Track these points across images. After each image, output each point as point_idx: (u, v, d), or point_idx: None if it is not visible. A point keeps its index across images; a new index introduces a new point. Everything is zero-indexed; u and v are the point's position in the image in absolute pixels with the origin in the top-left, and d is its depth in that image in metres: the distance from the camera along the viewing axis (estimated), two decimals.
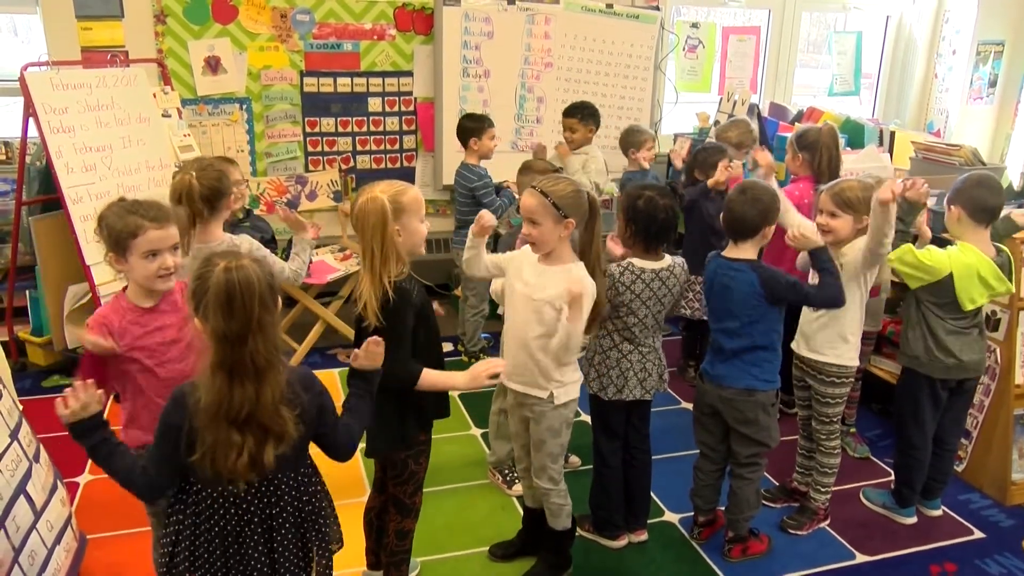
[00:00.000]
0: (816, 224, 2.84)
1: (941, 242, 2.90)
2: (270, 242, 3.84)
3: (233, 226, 2.84)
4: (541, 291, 2.37)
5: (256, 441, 1.65)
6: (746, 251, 2.60)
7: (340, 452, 1.89)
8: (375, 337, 1.94)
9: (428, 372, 2.21)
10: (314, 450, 1.88)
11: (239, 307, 1.60)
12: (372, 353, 1.93)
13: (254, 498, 1.74)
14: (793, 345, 2.93)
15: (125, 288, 2.16)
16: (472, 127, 4.11)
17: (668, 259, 2.63)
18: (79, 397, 1.67)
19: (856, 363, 2.87)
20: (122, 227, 2.05)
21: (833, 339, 2.81)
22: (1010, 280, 2.79)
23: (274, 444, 1.67)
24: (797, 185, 3.50)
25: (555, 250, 2.37)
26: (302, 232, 2.89)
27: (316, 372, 1.86)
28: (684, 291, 2.83)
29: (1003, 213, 2.91)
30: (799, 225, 2.81)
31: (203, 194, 2.57)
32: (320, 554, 1.88)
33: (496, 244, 3.73)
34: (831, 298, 2.60)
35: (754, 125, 4.20)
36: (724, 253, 2.65)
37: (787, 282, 2.56)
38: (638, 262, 2.58)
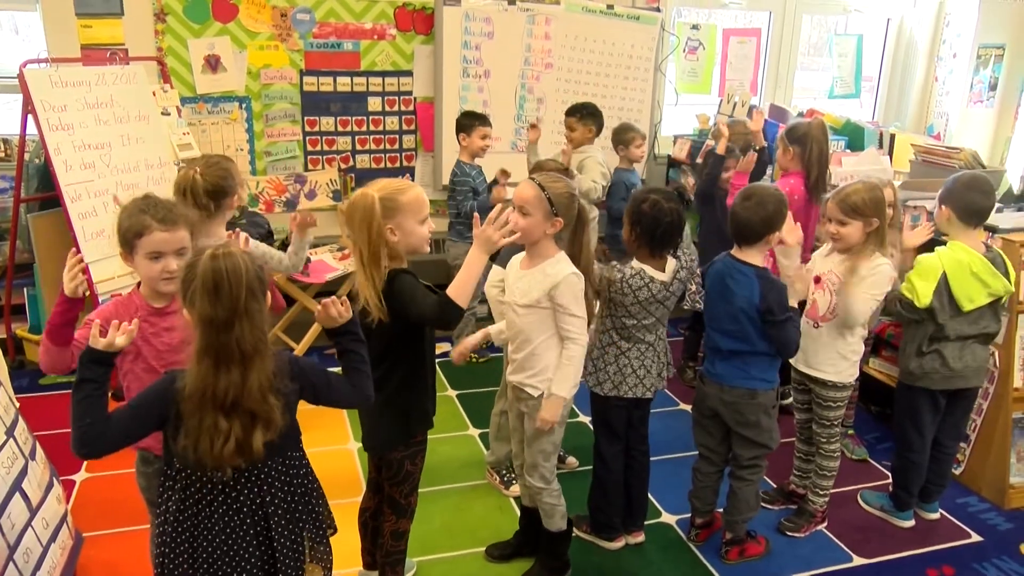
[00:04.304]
0: (826, 232, 2.81)
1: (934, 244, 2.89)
2: (267, 236, 3.84)
3: (230, 224, 2.83)
4: (522, 296, 2.41)
5: (243, 427, 1.66)
6: (752, 256, 2.59)
7: (355, 403, 1.96)
8: (331, 300, 1.87)
9: (455, 286, 2.14)
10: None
11: (226, 293, 1.63)
12: (330, 317, 1.87)
13: (243, 487, 1.74)
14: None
15: (139, 284, 2.15)
16: (463, 124, 4.10)
17: (673, 264, 2.61)
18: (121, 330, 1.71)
19: (854, 378, 2.87)
20: (129, 225, 2.05)
21: (833, 357, 2.81)
22: (1007, 278, 2.77)
23: (262, 431, 1.68)
24: (788, 180, 3.48)
25: (539, 244, 2.39)
26: (304, 235, 2.87)
27: None
28: (690, 283, 2.80)
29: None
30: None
31: (207, 190, 2.56)
32: (314, 538, 1.88)
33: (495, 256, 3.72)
34: (785, 344, 2.57)
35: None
36: (733, 252, 2.64)
37: (780, 300, 2.53)
38: (649, 270, 2.57)
